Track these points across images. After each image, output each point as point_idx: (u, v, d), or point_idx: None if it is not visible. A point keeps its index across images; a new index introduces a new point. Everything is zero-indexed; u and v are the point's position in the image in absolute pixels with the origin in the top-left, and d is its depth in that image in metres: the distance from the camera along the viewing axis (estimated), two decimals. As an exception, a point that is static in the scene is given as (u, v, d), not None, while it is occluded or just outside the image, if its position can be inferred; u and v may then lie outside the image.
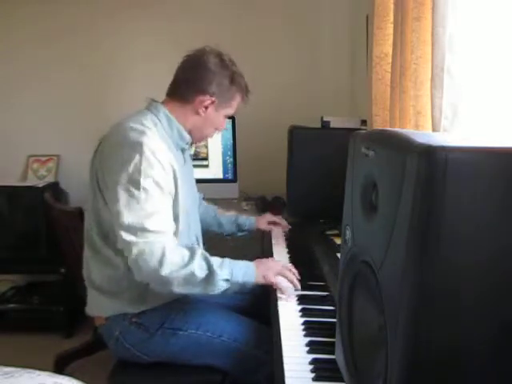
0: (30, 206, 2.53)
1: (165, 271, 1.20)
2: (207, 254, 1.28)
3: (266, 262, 1.35)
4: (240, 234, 1.80)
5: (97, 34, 2.70)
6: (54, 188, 2.68)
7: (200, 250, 1.28)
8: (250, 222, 1.80)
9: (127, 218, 1.21)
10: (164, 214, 1.28)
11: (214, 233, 1.79)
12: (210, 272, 1.23)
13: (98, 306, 1.41)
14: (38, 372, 0.69)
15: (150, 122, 1.35)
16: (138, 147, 1.24)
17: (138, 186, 1.22)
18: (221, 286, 1.25)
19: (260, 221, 1.82)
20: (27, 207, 2.54)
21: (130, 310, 1.36)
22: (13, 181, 2.71)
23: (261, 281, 1.29)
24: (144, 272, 1.22)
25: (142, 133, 1.28)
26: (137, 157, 1.23)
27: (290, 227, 1.87)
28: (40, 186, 2.59)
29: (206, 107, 1.41)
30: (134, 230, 1.21)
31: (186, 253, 1.24)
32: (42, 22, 2.70)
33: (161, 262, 1.20)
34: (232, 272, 1.26)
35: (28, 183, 2.67)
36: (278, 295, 1.27)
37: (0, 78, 2.77)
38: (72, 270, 1.99)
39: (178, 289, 1.24)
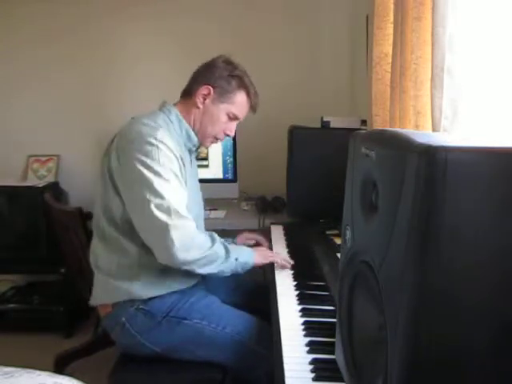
0: (30, 205, 2.53)
1: (192, 254, 1.29)
2: (220, 239, 1.42)
3: (263, 249, 1.58)
4: None
5: (97, 34, 2.70)
6: (54, 188, 2.67)
7: (216, 235, 1.41)
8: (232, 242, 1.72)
9: (157, 203, 1.26)
10: (184, 202, 1.34)
11: None
12: (227, 252, 1.38)
13: (105, 293, 1.42)
14: (38, 372, 0.69)
15: (162, 121, 1.41)
16: (152, 141, 1.30)
17: (159, 176, 1.28)
18: (233, 264, 1.39)
19: (239, 238, 1.76)
20: (27, 207, 2.54)
21: (138, 296, 1.38)
22: (13, 181, 2.70)
23: (259, 260, 1.47)
24: (171, 252, 1.26)
25: (155, 129, 1.34)
26: (153, 150, 1.29)
27: (267, 243, 1.76)
28: (40, 185, 2.58)
29: (204, 98, 1.45)
30: (166, 211, 1.26)
31: (208, 237, 1.37)
32: (41, 21, 2.70)
33: (190, 246, 1.28)
34: (238, 252, 1.42)
35: (28, 183, 2.67)
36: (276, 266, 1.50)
37: (0, 78, 2.77)
38: (72, 269, 2.00)
39: (201, 268, 1.34)
